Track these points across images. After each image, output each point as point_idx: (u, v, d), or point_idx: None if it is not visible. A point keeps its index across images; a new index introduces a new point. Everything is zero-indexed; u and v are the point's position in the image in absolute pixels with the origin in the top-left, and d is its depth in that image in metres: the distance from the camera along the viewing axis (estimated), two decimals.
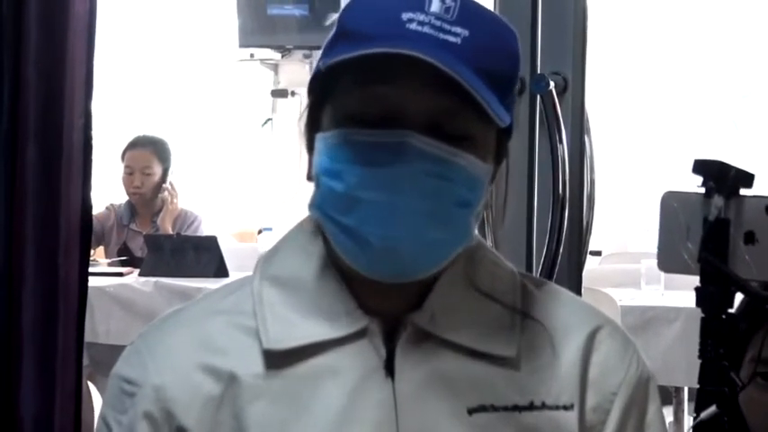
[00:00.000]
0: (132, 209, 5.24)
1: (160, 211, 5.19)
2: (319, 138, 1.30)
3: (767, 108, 6.86)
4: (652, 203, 1.80)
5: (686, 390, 3.95)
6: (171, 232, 5.04)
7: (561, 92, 2.42)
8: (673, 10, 6.89)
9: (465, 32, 1.26)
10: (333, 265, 1.33)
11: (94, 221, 2.84)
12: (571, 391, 1.33)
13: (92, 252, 3.40)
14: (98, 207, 5.09)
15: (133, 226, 5.21)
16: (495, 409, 1.30)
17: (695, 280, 1.71)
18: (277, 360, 1.31)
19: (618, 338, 1.38)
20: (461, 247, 1.30)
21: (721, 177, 1.69)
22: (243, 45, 6.37)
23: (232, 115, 7.37)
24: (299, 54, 6.39)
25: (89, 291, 2.10)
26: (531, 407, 1.31)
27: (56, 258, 2.03)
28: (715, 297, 1.67)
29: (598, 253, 5.46)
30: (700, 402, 1.67)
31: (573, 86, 2.43)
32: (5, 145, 2.00)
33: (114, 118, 6.59)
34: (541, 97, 2.41)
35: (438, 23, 1.25)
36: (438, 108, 1.26)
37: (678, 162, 6.42)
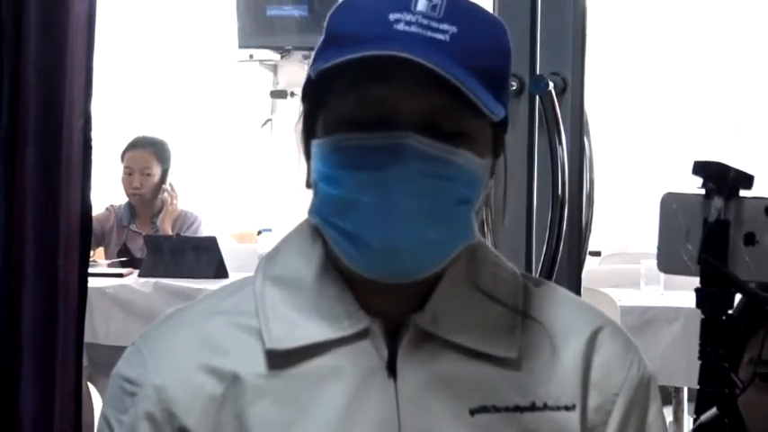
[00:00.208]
0: (132, 210, 5.24)
1: (160, 211, 5.19)
2: (315, 144, 1.30)
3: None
4: (652, 204, 1.80)
5: (686, 390, 3.95)
6: (171, 233, 5.04)
7: (560, 92, 2.42)
8: (673, 10, 6.89)
9: (453, 29, 1.26)
10: (333, 267, 1.33)
11: (94, 222, 2.83)
12: (573, 391, 1.33)
13: (91, 253, 3.41)
14: (98, 208, 5.09)
15: (133, 227, 5.21)
16: (496, 409, 1.31)
17: (694, 280, 1.71)
18: (279, 360, 1.31)
19: (619, 339, 1.38)
20: (462, 245, 1.31)
21: (721, 179, 1.69)
22: (242, 46, 6.37)
23: (231, 116, 7.37)
24: (298, 55, 6.39)
25: (89, 292, 2.10)
26: (532, 408, 1.31)
27: (56, 259, 2.03)
28: (715, 298, 1.67)
29: (597, 253, 5.46)
30: (700, 404, 1.67)
31: (572, 87, 2.43)
32: (5, 146, 2.00)
33: (114, 119, 6.58)
34: (540, 98, 2.41)
35: (425, 22, 1.25)
36: (432, 107, 1.26)
37: (678, 163, 6.41)
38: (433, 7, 1.26)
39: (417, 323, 1.31)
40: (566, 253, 2.39)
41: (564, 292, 1.42)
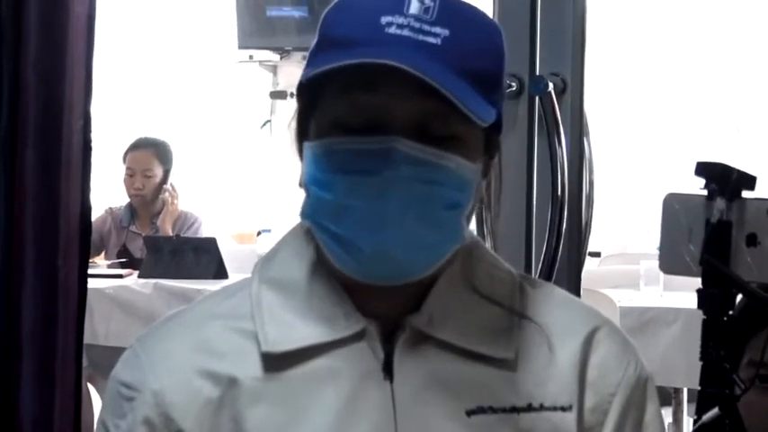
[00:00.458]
0: (132, 210, 5.23)
1: (160, 212, 5.19)
2: (307, 147, 1.30)
3: None
4: (651, 205, 1.80)
5: (686, 391, 3.95)
6: (170, 234, 5.03)
7: (560, 93, 2.42)
8: (673, 11, 6.89)
9: (445, 32, 1.26)
10: (326, 270, 1.33)
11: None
12: (569, 392, 1.33)
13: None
14: (98, 209, 5.08)
15: (133, 228, 5.21)
16: (493, 410, 1.30)
17: (694, 281, 1.71)
18: (276, 363, 1.31)
19: (616, 339, 1.38)
20: (453, 249, 1.30)
21: (724, 180, 1.69)
22: (242, 47, 6.37)
23: (231, 117, 7.38)
24: (298, 56, 6.38)
25: (88, 292, 2.10)
26: (529, 408, 1.31)
27: (55, 260, 2.03)
28: (717, 299, 1.67)
29: (597, 254, 5.46)
30: (701, 405, 1.67)
31: (572, 88, 2.43)
32: (5, 146, 2.00)
33: (114, 120, 6.58)
34: (540, 99, 2.41)
35: (417, 25, 1.25)
36: (422, 111, 1.26)
37: (678, 164, 6.42)
38: (426, 10, 1.26)
39: (413, 324, 1.31)
40: (565, 254, 2.39)
41: (561, 293, 1.42)
